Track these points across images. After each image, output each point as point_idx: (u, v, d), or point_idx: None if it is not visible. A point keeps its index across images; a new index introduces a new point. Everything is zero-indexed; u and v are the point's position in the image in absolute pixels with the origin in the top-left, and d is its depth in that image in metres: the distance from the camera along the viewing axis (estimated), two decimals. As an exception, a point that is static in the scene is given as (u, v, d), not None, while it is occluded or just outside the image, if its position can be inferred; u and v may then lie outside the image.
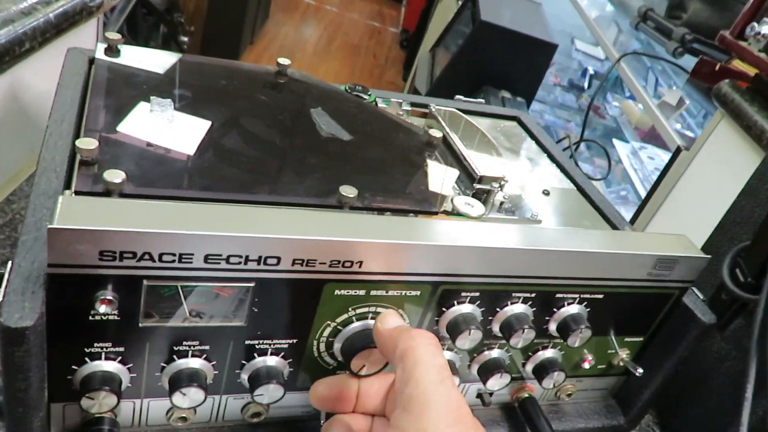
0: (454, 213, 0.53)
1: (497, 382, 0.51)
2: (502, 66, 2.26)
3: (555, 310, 0.51)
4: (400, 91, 3.92)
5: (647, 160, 1.86)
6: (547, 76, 3.05)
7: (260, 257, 0.39)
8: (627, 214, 1.79)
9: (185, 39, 3.32)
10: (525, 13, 2.50)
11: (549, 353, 0.54)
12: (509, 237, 0.46)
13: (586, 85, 2.94)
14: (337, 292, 0.43)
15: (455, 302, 0.47)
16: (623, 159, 1.93)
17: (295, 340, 0.45)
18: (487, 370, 0.51)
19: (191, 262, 0.38)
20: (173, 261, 0.37)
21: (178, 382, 0.41)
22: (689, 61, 1.75)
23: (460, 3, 2.79)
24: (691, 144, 1.31)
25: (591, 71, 2.91)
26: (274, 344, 0.44)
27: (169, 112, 0.51)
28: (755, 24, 1.10)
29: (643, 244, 0.51)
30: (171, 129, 0.49)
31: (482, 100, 0.78)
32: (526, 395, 0.56)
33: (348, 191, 0.47)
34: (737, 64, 1.33)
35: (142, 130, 0.48)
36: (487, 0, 2.43)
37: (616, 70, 1.98)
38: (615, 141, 2.10)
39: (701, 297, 0.56)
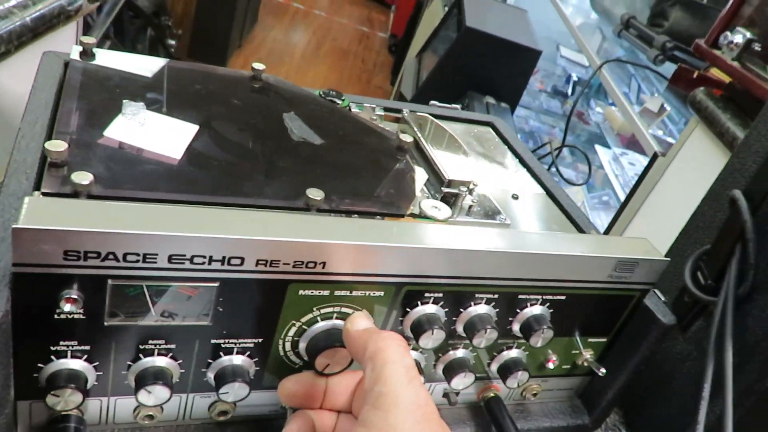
0: (421, 216, 0.54)
1: (461, 382, 0.53)
2: (487, 72, 2.28)
3: (518, 310, 0.52)
4: (388, 95, 3.93)
5: (628, 166, 1.89)
6: (533, 83, 3.08)
7: (224, 257, 0.40)
8: (608, 218, 1.81)
9: (173, 42, 3.33)
10: (510, 20, 2.52)
11: (513, 353, 0.55)
12: (472, 239, 0.47)
13: (569, 91, 2.97)
14: (301, 292, 0.44)
15: (419, 303, 0.48)
16: (605, 165, 1.95)
17: (260, 340, 0.46)
18: (451, 370, 0.53)
19: (155, 262, 0.38)
20: (137, 261, 0.38)
21: (144, 380, 0.42)
22: (671, 69, 1.78)
23: (446, 9, 2.81)
24: (668, 150, 1.34)
25: (575, 78, 2.94)
26: (239, 343, 0.45)
27: (141, 116, 0.51)
28: (728, 33, 1.12)
29: (604, 247, 0.52)
30: (143, 132, 0.50)
31: (457, 106, 0.80)
32: (492, 395, 0.57)
33: (315, 194, 0.48)
34: (715, 72, 1.36)
35: (117, 133, 0.49)
36: (473, 6, 2.45)
37: (598, 77, 2.01)
38: (597, 147, 2.13)
39: (662, 299, 0.57)
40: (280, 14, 4.96)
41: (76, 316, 0.39)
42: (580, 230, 0.64)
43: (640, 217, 1.37)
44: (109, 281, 0.38)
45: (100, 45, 2.51)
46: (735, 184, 0.59)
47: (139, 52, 3.10)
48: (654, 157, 1.34)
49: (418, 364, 0.52)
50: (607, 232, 1.50)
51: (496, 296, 0.50)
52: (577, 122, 2.83)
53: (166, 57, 3.32)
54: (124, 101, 0.52)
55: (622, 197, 1.87)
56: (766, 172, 0.53)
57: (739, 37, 1.11)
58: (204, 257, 0.39)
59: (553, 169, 1.71)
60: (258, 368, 0.47)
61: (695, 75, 1.44)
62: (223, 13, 3.52)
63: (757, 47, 1.11)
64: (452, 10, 2.62)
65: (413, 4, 4.25)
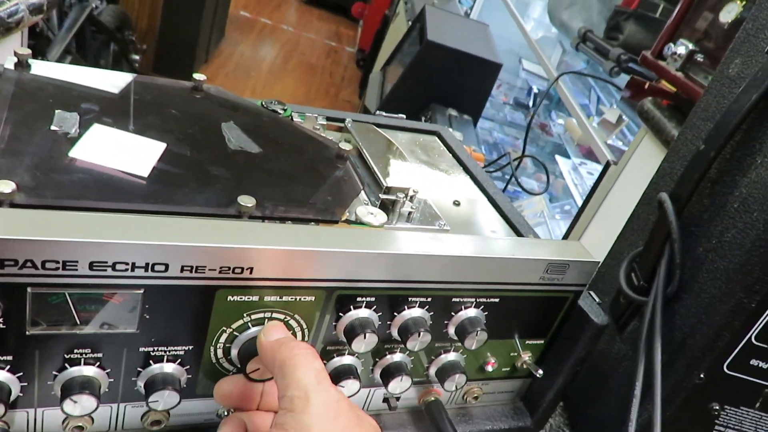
0: (357, 222, 0.54)
1: (398, 386, 0.53)
2: (449, 84, 2.31)
3: (453, 313, 0.53)
4: (356, 109, 3.95)
5: (586, 175, 1.92)
6: (497, 95, 3.13)
7: (147, 264, 0.40)
8: (566, 226, 1.84)
9: (137, 57, 3.30)
10: (471, 34, 2.56)
11: (451, 356, 0.56)
12: (403, 243, 0.48)
13: (530, 103, 3.02)
14: (230, 298, 0.44)
15: (351, 307, 0.48)
16: (565, 174, 1.99)
17: (191, 347, 0.45)
18: (388, 374, 0.53)
19: (76, 270, 0.38)
20: (57, 268, 0.38)
21: (70, 389, 0.42)
22: (626, 81, 1.82)
23: (410, 23, 2.84)
24: (620, 158, 1.37)
25: (535, 90, 2.99)
26: (170, 351, 0.45)
27: (73, 126, 0.51)
28: (672, 45, 1.16)
29: (535, 250, 0.53)
30: (77, 142, 0.50)
31: (402, 115, 0.81)
32: (432, 398, 0.58)
33: (246, 201, 0.48)
34: (664, 83, 1.40)
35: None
36: (435, 20, 2.48)
37: (558, 89, 2.05)
38: (557, 157, 2.17)
39: (596, 300, 0.58)
40: (247, 29, 4.96)
41: (-5, 326, 0.39)
42: (519, 234, 0.65)
43: (595, 222, 1.40)
44: (29, 289, 0.38)
45: (61, 60, 2.46)
46: (665, 188, 0.61)
47: (102, 68, 3.08)
48: (607, 166, 1.37)
49: (354, 368, 0.52)
50: (565, 238, 1.52)
51: (429, 300, 0.51)
52: (541, 133, 2.88)
53: (131, 71, 3.30)
54: (56, 112, 0.52)
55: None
56: (690, 174, 0.55)
57: (682, 48, 1.15)
58: (126, 264, 0.39)
59: (518, 178, 1.74)
60: (190, 376, 0.47)
61: (646, 86, 1.48)
62: (189, 27, 3.51)
63: (699, 58, 1.15)
64: (415, 24, 2.65)
65: (380, 19, 4.29)
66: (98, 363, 0.43)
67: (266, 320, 0.46)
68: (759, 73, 0.51)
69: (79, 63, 2.57)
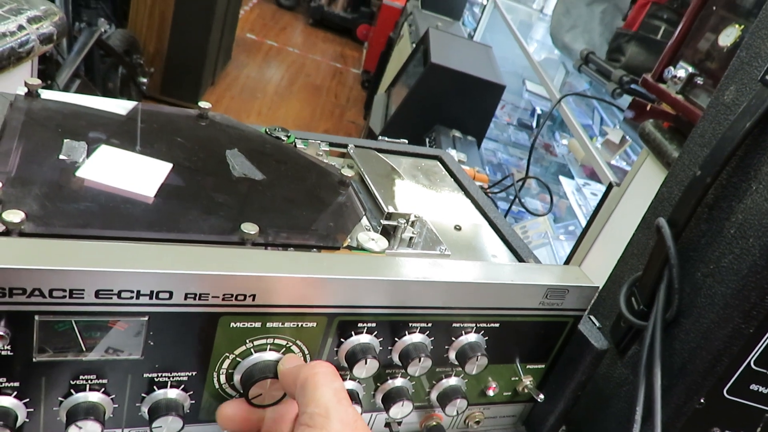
0: (358, 248, 0.55)
1: (399, 410, 0.53)
2: (453, 106, 2.33)
3: (453, 338, 0.53)
4: (361, 129, 3.98)
5: (590, 196, 1.93)
6: (501, 116, 3.15)
7: (152, 292, 0.41)
8: (570, 247, 1.84)
9: (144, 80, 3.35)
10: (475, 56, 2.59)
11: (452, 381, 0.56)
12: (403, 270, 0.49)
13: (534, 124, 3.04)
14: (232, 324, 0.45)
15: (353, 333, 0.49)
16: (568, 195, 2.00)
17: (194, 373, 0.46)
18: (389, 399, 0.53)
19: (82, 298, 0.39)
20: (64, 297, 0.39)
21: (75, 415, 0.43)
22: (629, 102, 1.84)
23: (414, 45, 2.88)
24: (623, 180, 1.37)
25: (539, 111, 3.01)
26: (173, 377, 0.46)
27: (81, 155, 0.53)
28: (672, 68, 1.17)
29: (534, 275, 0.54)
30: (84, 169, 0.51)
31: (405, 140, 0.82)
32: (434, 423, 0.58)
33: (249, 228, 0.49)
34: (664, 105, 1.41)
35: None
36: (439, 43, 2.51)
37: (558, 110, 2.06)
38: (561, 178, 2.18)
39: (597, 324, 0.59)
40: (253, 51, 5.02)
41: (3, 353, 0.39)
42: (520, 259, 0.66)
43: (599, 244, 1.40)
44: (36, 317, 0.39)
45: (70, 83, 2.49)
46: (663, 212, 0.62)
47: (110, 90, 3.11)
48: (609, 187, 1.38)
49: (355, 393, 0.53)
50: (568, 260, 1.53)
51: (430, 325, 0.51)
52: (545, 154, 2.89)
53: (138, 95, 3.34)
54: (65, 141, 0.53)
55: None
56: (687, 200, 0.55)
57: (682, 71, 1.16)
58: (131, 292, 0.40)
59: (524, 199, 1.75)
60: (194, 401, 0.48)
61: (648, 107, 1.49)
62: (196, 51, 3.56)
63: (699, 81, 1.16)
64: (419, 47, 2.68)
65: (385, 41, 4.34)
66: (103, 389, 0.44)
67: (268, 346, 0.47)
68: (753, 100, 0.52)
69: (87, 86, 2.61)
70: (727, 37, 1.16)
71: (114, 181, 0.50)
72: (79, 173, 0.50)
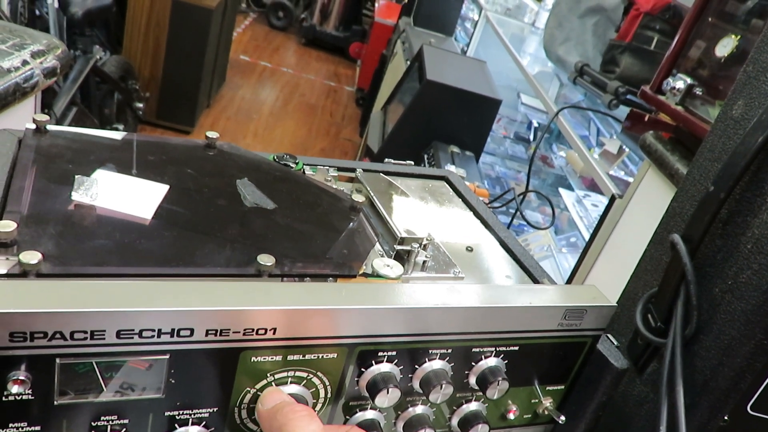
0: (374, 275, 0.55)
1: (421, 439, 0.53)
2: (450, 122, 2.34)
3: (473, 363, 0.53)
4: (357, 146, 3.99)
5: (591, 208, 1.93)
6: (497, 129, 3.16)
7: (173, 329, 0.40)
8: (576, 259, 1.84)
9: (140, 105, 3.36)
10: (470, 71, 2.60)
11: (473, 406, 0.56)
12: (421, 297, 0.48)
13: (531, 137, 3.05)
14: (253, 359, 0.44)
15: (373, 362, 0.49)
16: (569, 207, 2.00)
17: (215, 409, 0.46)
18: (411, 427, 0.53)
19: (104, 338, 0.39)
20: (85, 338, 0.38)
21: (97, 458, 0.42)
22: (626, 111, 1.85)
23: (408, 63, 2.89)
24: (625, 191, 1.38)
25: (536, 124, 3.02)
26: (195, 413, 0.45)
27: (92, 192, 0.52)
28: (670, 79, 1.18)
29: (552, 297, 0.54)
30: (97, 205, 0.51)
31: (411, 162, 0.82)
32: (456, 449, 0.57)
33: (265, 260, 0.49)
34: (663, 116, 1.42)
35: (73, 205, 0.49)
36: (433, 59, 2.53)
37: (555, 123, 2.07)
38: (561, 190, 2.18)
39: (615, 343, 0.58)
40: (247, 73, 5.04)
41: (24, 397, 0.39)
42: (534, 279, 0.66)
43: (603, 257, 1.40)
44: (58, 360, 0.38)
45: (67, 111, 2.50)
46: (676, 228, 0.62)
47: (106, 116, 3.10)
48: (612, 199, 1.38)
49: (377, 423, 0.52)
50: (573, 273, 1.52)
51: (449, 351, 0.51)
52: (543, 166, 2.90)
53: (134, 120, 3.34)
54: (75, 177, 0.53)
55: (588, 238, 1.91)
56: (701, 215, 0.55)
57: (680, 83, 1.17)
58: (153, 330, 0.40)
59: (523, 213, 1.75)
60: (215, 438, 0.47)
61: (646, 118, 1.49)
62: (190, 74, 3.57)
63: (698, 91, 1.17)
64: (414, 64, 2.69)
65: (377, 58, 4.37)
66: (124, 429, 0.43)
67: (289, 379, 0.46)
68: (763, 115, 0.52)
69: (84, 114, 2.61)
70: (724, 47, 1.17)
71: (124, 210, 0.50)
72: (88, 205, 0.49)
